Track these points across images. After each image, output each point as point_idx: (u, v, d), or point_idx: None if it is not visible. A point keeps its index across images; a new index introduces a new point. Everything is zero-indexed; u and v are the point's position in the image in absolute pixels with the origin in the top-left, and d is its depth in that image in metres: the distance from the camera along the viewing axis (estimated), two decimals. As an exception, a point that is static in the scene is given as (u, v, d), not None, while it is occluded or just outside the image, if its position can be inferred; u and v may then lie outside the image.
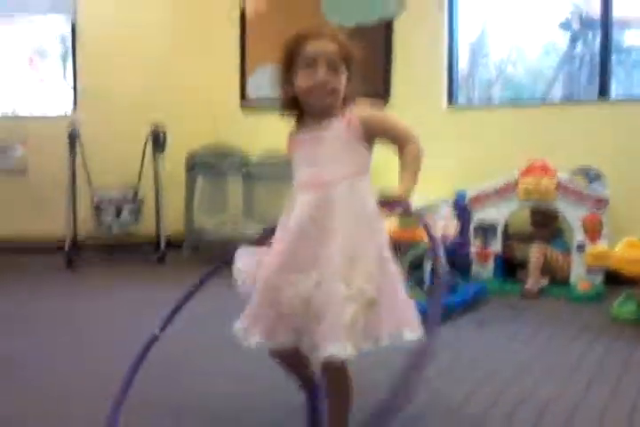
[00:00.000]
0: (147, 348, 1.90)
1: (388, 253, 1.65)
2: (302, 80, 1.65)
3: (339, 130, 1.67)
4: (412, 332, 1.57)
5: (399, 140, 1.71)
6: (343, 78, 1.67)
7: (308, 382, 1.86)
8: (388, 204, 1.66)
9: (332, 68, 1.64)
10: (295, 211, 1.66)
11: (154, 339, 1.91)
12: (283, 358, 1.78)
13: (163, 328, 1.92)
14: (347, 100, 1.69)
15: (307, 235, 1.62)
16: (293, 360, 1.79)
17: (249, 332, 1.63)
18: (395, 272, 1.65)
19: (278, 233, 1.71)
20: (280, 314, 1.61)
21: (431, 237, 1.77)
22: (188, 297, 1.93)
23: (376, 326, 1.58)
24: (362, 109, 1.70)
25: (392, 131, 1.72)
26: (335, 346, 1.51)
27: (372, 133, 1.70)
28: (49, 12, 5.38)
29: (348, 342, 1.51)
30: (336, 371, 1.61)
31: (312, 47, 1.65)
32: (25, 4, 5.23)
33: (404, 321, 1.59)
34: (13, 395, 2.21)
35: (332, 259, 1.58)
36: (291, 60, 1.68)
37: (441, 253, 1.64)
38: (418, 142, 1.71)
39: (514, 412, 2.03)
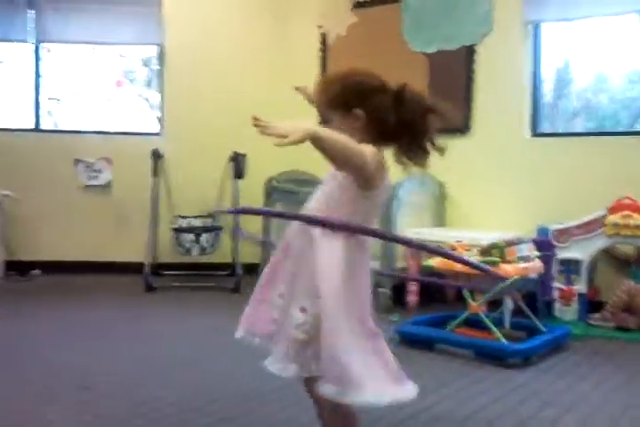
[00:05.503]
0: None
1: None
2: None
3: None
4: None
5: None
6: (337, 121, 1.70)
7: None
8: None
9: (324, 121, 1.74)
10: None
11: None
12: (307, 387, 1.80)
13: None
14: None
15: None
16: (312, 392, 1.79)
17: (250, 333, 1.79)
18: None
19: None
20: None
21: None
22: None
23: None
24: None
25: None
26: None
27: None
28: (137, 42, 5.57)
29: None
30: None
31: None
32: (115, 35, 5.42)
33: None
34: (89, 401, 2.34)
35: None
36: None
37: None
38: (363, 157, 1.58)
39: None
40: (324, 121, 1.74)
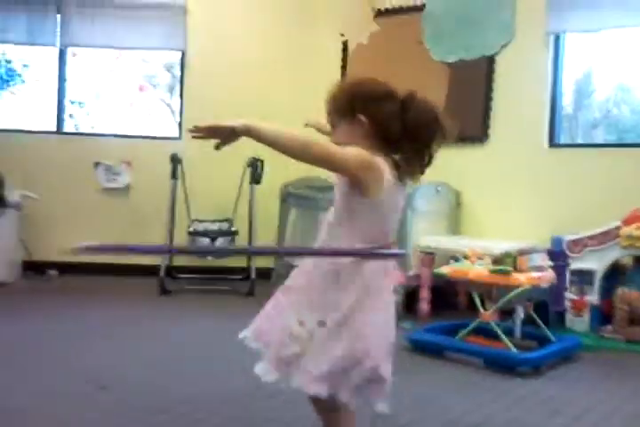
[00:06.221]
0: None
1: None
2: None
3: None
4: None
5: None
6: (343, 128, 1.74)
7: None
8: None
9: (333, 126, 1.79)
10: None
11: None
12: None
13: None
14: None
15: None
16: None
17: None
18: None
19: None
20: None
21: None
22: None
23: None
24: None
25: None
26: None
27: None
28: (161, 47, 5.63)
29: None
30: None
31: None
32: (139, 40, 5.49)
33: None
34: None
35: None
36: None
37: None
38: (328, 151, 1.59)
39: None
40: (333, 128, 1.80)
